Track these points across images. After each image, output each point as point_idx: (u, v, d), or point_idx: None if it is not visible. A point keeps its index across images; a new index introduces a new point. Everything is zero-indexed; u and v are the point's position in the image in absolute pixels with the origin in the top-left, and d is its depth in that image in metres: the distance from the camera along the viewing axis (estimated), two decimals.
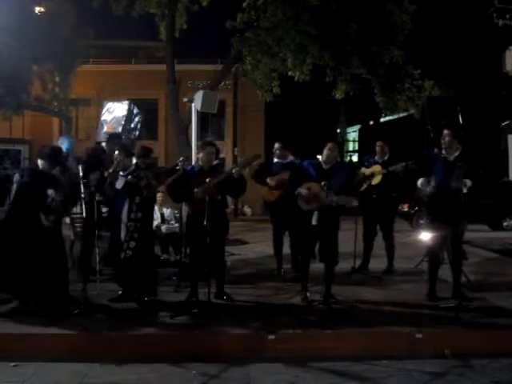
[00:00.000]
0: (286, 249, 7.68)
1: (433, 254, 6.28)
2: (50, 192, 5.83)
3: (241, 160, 7.29)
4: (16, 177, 6.11)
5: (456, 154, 6.12)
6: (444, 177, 5.97)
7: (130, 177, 6.13)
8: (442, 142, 6.14)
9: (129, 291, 6.19)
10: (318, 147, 6.41)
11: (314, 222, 5.93)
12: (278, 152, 7.61)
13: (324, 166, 6.13)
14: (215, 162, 6.40)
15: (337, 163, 6.21)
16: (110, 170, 6.22)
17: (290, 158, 7.62)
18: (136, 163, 6.46)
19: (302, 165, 6.38)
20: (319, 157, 6.29)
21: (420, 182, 6.21)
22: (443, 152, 6.17)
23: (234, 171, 5.87)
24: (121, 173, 6.21)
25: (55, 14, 16.78)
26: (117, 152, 6.38)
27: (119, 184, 6.11)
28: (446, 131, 6.15)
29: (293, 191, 6.12)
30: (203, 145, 6.27)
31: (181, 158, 7.36)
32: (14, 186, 6.01)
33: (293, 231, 7.43)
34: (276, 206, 7.48)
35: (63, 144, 8.28)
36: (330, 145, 6.14)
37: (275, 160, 7.66)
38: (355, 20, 12.04)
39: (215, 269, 6.06)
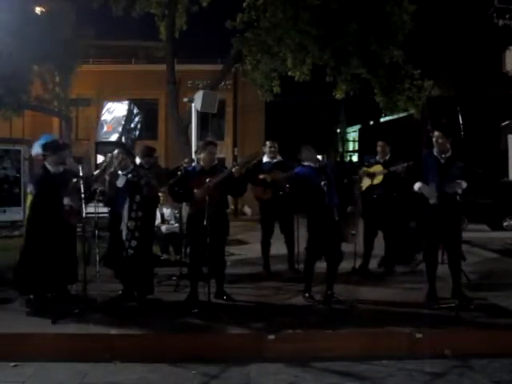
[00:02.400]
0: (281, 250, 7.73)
1: (430, 254, 6.27)
2: (66, 200, 5.99)
3: (241, 159, 7.30)
4: (30, 187, 6.21)
5: (448, 154, 6.11)
6: (439, 179, 5.97)
7: (130, 175, 6.13)
8: (435, 144, 6.14)
9: (130, 290, 6.20)
10: (319, 147, 6.42)
11: (336, 217, 5.89)
12: (272, 149, 7.61)
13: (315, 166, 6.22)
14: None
15: (325, 164, 6.28)
16: (111, 170, 6.23)
17: (279, 157, 7.65)
18: (139, 162, 6.48)
19: (300, 173, 6.33)
20: (319, 157, 6.31)
21: (417, 186, 6.15)
22: (435, 153, 6.15)
23: (233, 170, 5.87)
24: (120, 172, 6.21)
25: (55, 14, 16.76)
26: (116, 151, 6.38)
27: (120, 182, 6.12)
28: (437, 133, 6.12)
29: (299, 197, 6.19)
30: (205, 145, 6.24)
31: (186, 160, 7.36)
32: (30, 198, 6.13)
33: (288, 232, 7.49)
34: (267, 206, 7.51)
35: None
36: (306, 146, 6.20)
37: (265, 159, 7.68)
38: (355, 20, 12.04)
39: (215, 269, 6.06)
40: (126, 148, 6.73)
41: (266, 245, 7.77)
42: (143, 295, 6.11)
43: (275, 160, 7.58)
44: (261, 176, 7.45)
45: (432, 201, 5.97)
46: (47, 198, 6.03)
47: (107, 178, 6.22)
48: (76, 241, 6.37)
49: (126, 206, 6.09)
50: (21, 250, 6.18)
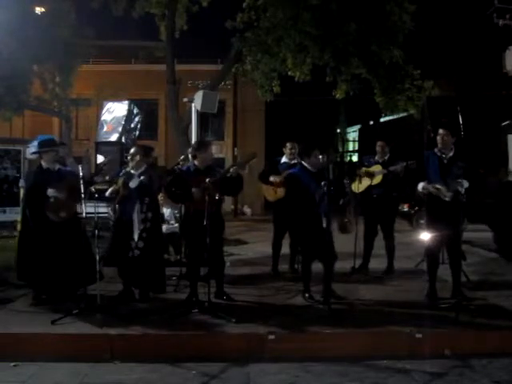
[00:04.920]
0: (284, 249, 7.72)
1: (431, 254, 6.27)
2: (50, 191, 5.94)
3: (238, 160, 7.30)
4: (21, 182, 6.26)
5: (451, 154, 6.11)
6: (440, 178, 5.96)
7: (143, 177, 6.13)
8: (439, 141, 6.12)
9: (130, 289, 6.21)
10: (319, 147, 6.44)
11: (324, 224, 5.99)
12: (292, 151, 7.59)
13: (313, 170, 6.27)
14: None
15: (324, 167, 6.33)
16: (127, 169, 6.24)
17: (298, 159, 7.61)
18: (150, 164, 6.48)
19: (295, 173, 6.42)
20: (320, 157, 6.33)
21: (421, 186, 6.14)
22: (438, 152, 6.15)
23: (231, 170, 5.88)
24: (132, 171, 6.23)
25: (55, 14, 16.78)
26: (133, 150, 6.40)
27: (133, 184, 6.12)
28: (442, 131, 6.10)
29: (290, 196, 6.30)
30: (206, 145, 6.25)
31: (181, 157, 7.36)
32: (22, 191, 6.17)
33: (293, 232, 7.46)
34: (278, 206, 7.48)
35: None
36: (316, 152, 6.27)
37: (283, 160, 7.67)
38: (355, 20, 12.03)
39: (215, 269, 6.06)
40: (146, 149, 6.74)
41: (277, 246, 7.76)
42: (148, 291, 6.13)
43: (293, 161, 7.54)
44: (271, 178, 7.47)
45: (447, 198, 5.91)
46: (38, 193, 6.02)
47: (121, 179, 6.19)
48: (83, 238, 6.34)
49: (137, 208, 6.10)
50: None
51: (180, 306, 5.86)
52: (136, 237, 6.10)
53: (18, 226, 6.51)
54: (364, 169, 7.81)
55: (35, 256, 6.01)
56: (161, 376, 4.55)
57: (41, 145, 6.33)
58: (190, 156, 7.25)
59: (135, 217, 6.10)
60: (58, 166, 6.27)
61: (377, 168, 7.73)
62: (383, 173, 7.61)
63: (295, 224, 6.45)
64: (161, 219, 8.92)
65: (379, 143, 7.86)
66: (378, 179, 7.66)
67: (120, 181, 6.18)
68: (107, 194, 6.35)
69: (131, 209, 6.15)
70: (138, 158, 6.29)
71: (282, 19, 12.37)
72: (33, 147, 6.76)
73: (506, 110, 22.24)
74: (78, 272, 6.08)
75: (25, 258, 6.11)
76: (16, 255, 6.33)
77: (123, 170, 6.36)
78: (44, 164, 6.22)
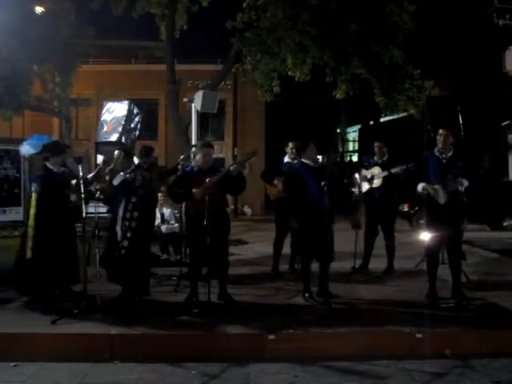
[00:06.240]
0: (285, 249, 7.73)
1: (431, 254, 6.27)
2: (73, 197, 6.16)
3: (238, 159, 7.32)
4: (34, 186, 6.28)
5: (450, 154, 6.11)
6: (440, 178, 5.97)
7: (127, 175, 6.17)
8: (439, 141, 6.11)
9: (126, 291, 6.20)
10: (319, 147, 6.47)
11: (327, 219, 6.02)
12: (294, 151, 7.58)
13: (313, 165, 6.28)
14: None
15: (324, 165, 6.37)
16: (111, 166, 6.29)
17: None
18: (138, 163, 6.49)
19: (294, 170, 6.42)
20: (319, 157, 6.35)
21: (421, 186, 6.14)
22: (436, 153, 6.15)
23: (232, 168, 5.89)
24: (121, 173, 6.26)
25: (55, 14, 16.78)
26: (117, 151, 6.43)
27: (116, 180, 6.18)
28: (443, 131, 6.09)
29: (289, 194, 6.32)
30: (201, 146, 6.32)
31: (181, 157, 7.37)
32: (34, 196, 6.19)
33: (295, 232, 7.46)
34: (281, 206, 7.47)
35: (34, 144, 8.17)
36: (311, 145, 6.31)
37: (286, 159, 7.67)
38: (355, 20, 12.02)
39: (218, 269, 6.06)
40: (128, 149, 6.78)
41: (278, 246, 7.76)
42: (136, 296, 6.12)
43: (296, 161, 7.53)
44: (275, 181, 7.48)
45: (442, 201, 5.92)
46: (52, 197, 6.15)
47: (107, 176, 6.27)
48: (76, 240, 6.43)
49: (122, 206, 6.13)
50: (18, 250, 6.28)
51: (180, 306, 5.86)
52: (119, 236, 6.11)
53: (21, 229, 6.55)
54: (363, 172, 7.79)
55: (47, 260, 6.08)
56: (161, 376, 4.55)
57: (47, 149, 6.41)
58: (191, 156, 7.28)
59: (119, 215, 6.14)
60: (62, 168, 6.38)
61: (376, 170, 7.71)
62: (384, 175, 7.59)
63: (299, 222, 6.42)
64: (161, 219, 8.98)
65: (377, 144, 7.84)
66: (378, 182, 7.65)
67: (107, 179, 6.28)
68: (97, 194, 6.46)
69: (117, 207, 6.19)
70: (120, 158, 6.33)
71: (282, 19, 12.36)
72: (28, 146, 6.75)
73: (506, 110, 22.26)
74: (66, 271, 6.21)
75: (36, 263, 6.12)
76: (19, 259, 6.30)
77: (107, 169, 6.41)
78: (52, 167, 6.30)
